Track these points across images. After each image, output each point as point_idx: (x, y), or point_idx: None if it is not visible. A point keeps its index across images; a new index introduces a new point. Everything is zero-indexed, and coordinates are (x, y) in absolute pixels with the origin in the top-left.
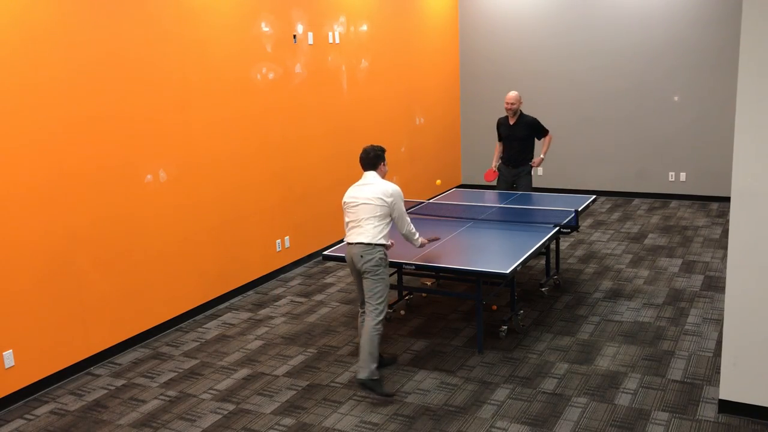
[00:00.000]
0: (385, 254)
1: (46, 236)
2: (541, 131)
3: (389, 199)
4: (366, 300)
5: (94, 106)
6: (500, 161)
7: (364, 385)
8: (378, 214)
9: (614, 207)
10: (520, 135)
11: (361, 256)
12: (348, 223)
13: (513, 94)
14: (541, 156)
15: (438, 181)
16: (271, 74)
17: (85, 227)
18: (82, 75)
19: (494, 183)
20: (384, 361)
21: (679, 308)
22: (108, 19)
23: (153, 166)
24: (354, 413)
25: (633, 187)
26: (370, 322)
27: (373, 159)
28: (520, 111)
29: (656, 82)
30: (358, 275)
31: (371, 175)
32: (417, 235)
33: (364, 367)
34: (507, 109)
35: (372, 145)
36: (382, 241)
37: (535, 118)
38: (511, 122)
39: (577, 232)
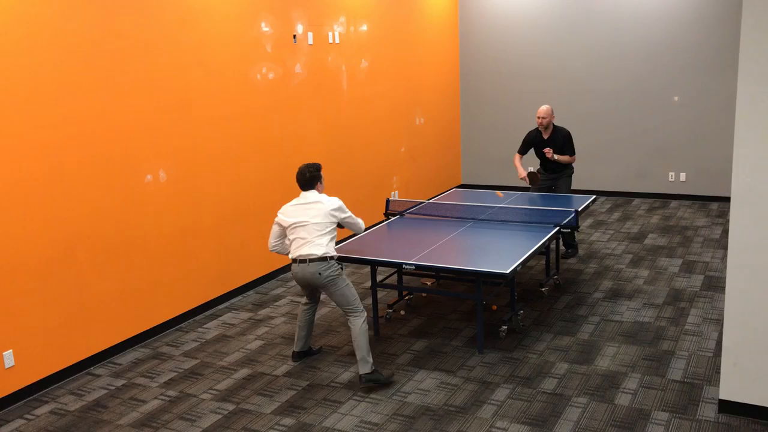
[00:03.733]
0: (337, 261)
1: (47, 236)
2: (570, 149)
3: (338, 214)
4: (341, 307)
5: (94, 106)
6: (539, 169)
7: (369, 380)
8: (328, 230)
9: (614, 207)
10: (556, 149)
11: (320, 274)
12: (291, 240)
13: (544, 108)
14: (556, 156)
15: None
16: (271, 74)
17: (85, 227)
18: (81, 74)
19: (527, 184)
20: (311, 352)
21: (679, 308)
22: (108, 18)
23: (153, 166)
24: (354, 413)
25: (633, 187)
26: (357, 323)
27: (309, 180)
28: (552, 124)
29: (656, 82)
30: (313, 288)
31: (313, 195)
32: (360, 222)
33: (365, 363)
34: (539, 124)
35: (306, 165)
36: (334, 253)
37: (569, 132)
38: (545, 136)
39: (578, 231)
